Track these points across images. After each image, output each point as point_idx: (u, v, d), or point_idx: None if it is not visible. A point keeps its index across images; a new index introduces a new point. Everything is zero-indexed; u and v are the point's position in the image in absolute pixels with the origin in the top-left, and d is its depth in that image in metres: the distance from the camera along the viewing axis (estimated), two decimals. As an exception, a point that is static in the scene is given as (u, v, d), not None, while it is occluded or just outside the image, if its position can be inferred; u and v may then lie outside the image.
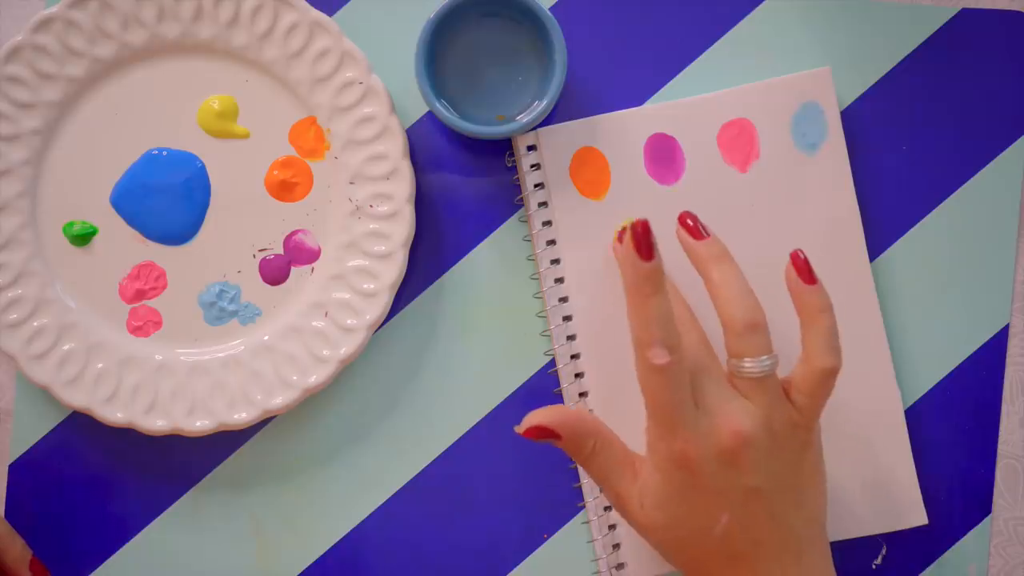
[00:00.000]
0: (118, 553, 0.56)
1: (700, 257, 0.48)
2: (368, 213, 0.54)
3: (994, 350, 0.56)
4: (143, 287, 0.55)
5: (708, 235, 0.48)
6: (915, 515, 0.54)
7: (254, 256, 0.55)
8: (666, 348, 0.44)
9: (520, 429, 0.47)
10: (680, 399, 0.44)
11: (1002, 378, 0.56)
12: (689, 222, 0.48)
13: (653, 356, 0.44)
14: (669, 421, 0.45)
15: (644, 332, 0.44)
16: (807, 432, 0.47)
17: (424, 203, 0.56)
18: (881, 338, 0.54)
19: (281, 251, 0.55)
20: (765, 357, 0.45)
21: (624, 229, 0.51)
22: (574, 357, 0.54)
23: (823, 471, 0.48)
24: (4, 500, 0.56)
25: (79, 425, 0.56)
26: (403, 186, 0.53)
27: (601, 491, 0.49)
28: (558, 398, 0.55)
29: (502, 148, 0.56)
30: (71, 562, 0.56)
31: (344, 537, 0.56)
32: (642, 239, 0.44)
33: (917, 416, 0.55)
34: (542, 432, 0.47)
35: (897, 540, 0.55)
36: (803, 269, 0.47)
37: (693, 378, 0.45)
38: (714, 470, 0.45)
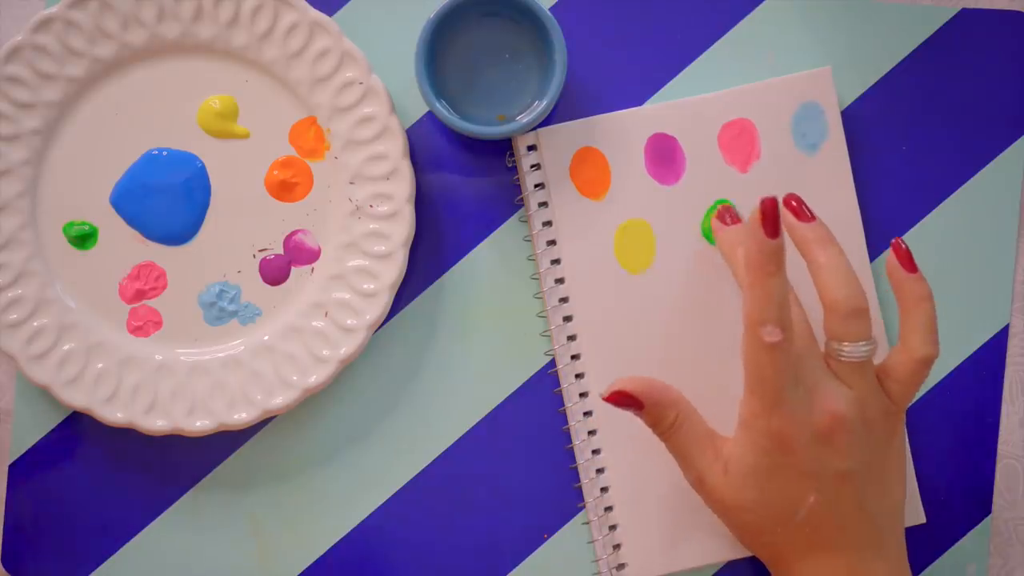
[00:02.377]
0: (118, 553, 0.56)
1: (805, 239, 0.48)
2: (368, 213, 0.54)
3: (994, 350, 0.56)
4: (143, 287, 0.55)
5: (814, 218, 0.48)
6: (913, 514, 0.54)
7: (254, 256, 0.55)
8: (779, 327, 0.44)
9: (604, 394, 0.47)
10: (785, 378, 0.45)
11: (1002, 378, 0.56)
12: (794, 203, 0.48)
13: (766, 334, 0.44)
14: (771, 398, 0.45)
15: (760, 310, 0.44)
16: (897, 421, 0.47)
17: (424, 203, 0.56)
18: (881, 338, 0.54)
19: (281, 251, 0.55)
20: (864, 343, 0.46)
21: (721, 209, 0.51)
22: (574, 357, 0.54)
23: (905, 463, 0.48)
24: (4, 500, 0.56)
25: (79, 425, 0.56)
26: (403, 186, 0.53)
27: (680, 467, 0.49)
28: (558, 398, 0.55)
29: (502, 148, 0.56)
30: (71, 562, 0.56)
31: (344, 537, 0.56)
32: (770, 216, 0.44)
33: (917, 416, 0.55)
34: (626, 399, 0.47)
35: (897, 540, 0.55)
36: (904, 257, 0.47)
37: (795, 358, 0.46)
38: (809, 450, 0.45)
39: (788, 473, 0.46)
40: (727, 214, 0.52)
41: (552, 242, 0.55)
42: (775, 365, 0.44)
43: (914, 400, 0.47)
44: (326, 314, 0.54)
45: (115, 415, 0.54)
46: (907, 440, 0.48)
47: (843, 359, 0.46)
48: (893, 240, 0.48)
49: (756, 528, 0.48)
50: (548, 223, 0.55)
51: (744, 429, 0.47)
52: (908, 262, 0.47)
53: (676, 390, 0.48)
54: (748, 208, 0.54)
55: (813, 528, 0.46)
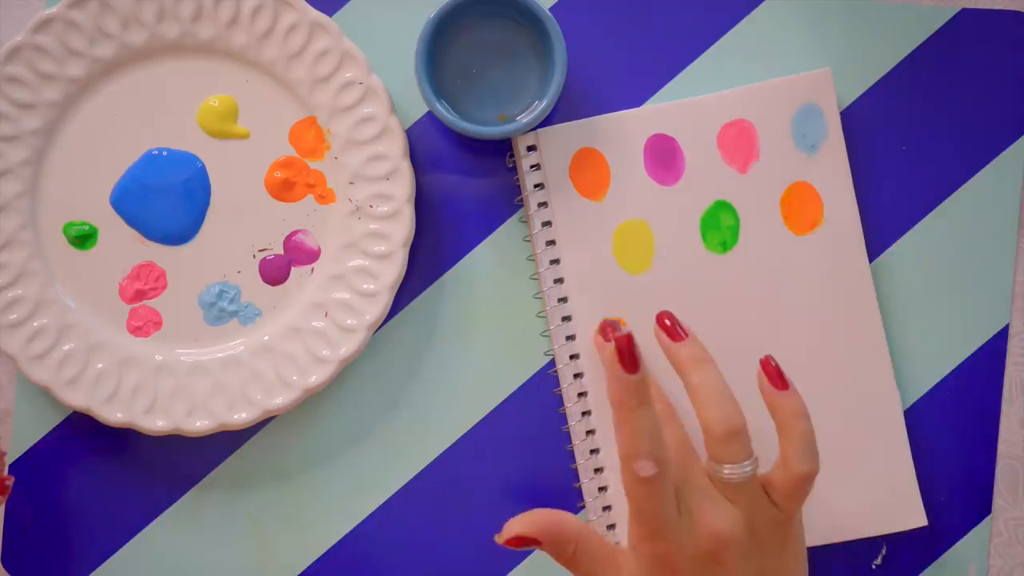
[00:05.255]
0: (118, 553, 0.56)
1: (679, 359, 0.47)
2: (368, 213, 0.54)
3: (994, 350, 0.56)
4: (143, 287, 0.55)
5: (686, 335, 0.48)
6: (914, 517, 0.54)
7: (254, 256, 0.55)
8: (653, 460, 0.43)
9: (500, 539, 0.46)
10: (664, 507, 0.44)
11: (1002, 378, 0.56)
12: (667, 322, 0.48)
13: (640, 469, 0.43)
14: (653, 527, 0.44)
15: (631, 445, 0.44)
16: (787, 528, 0.47)
17: (424, 203, 0.56)
18: (880, 339, 0.54)
19: (281, 251, 0.55)
20: (745, 462, 0.45)
21: (606, 324, 0.51)
22: (573, 357, 0.54)
23: (804, 560, 0.48)
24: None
25: (79, 425, 0.56)
26: (403, 186, 0.53)
27: None
28: (558, 398, 0.55)
29: (502, 148, 0.56)
30: (71, 562, 0.56)
31: (344, 537, 0.56)
32: (626, 353, 0.43)
33: (917, 416, 0.55)
34: (522, 541, 0.46)
35: (897, 540, 0.55)
36: (774, 375, 0.46)
37: (675, 481, 0.45)
38: (696, 571, 0.45)
39: None
40: (609, 329, 0.52)
41: (552, 242, 0.55)
42: (652, 497, 0.44)
43: (801, 509, 0.47)
44: (326, 314, 0.54)
45: (115, 415, 0.54)
46: (803, 540, 0.48)
47: (724, 480, 0.45)
48: (762, 358, 0.47)
49: None
50: (548, 223, 0.55)
51: (633, 553, 0.46)
52: (779, 380, 0.46)
53: (572, 519, 0.47)
54: (747, 207, 0.54)
55: None
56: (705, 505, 0.45)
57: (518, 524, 0.46)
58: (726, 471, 0.45)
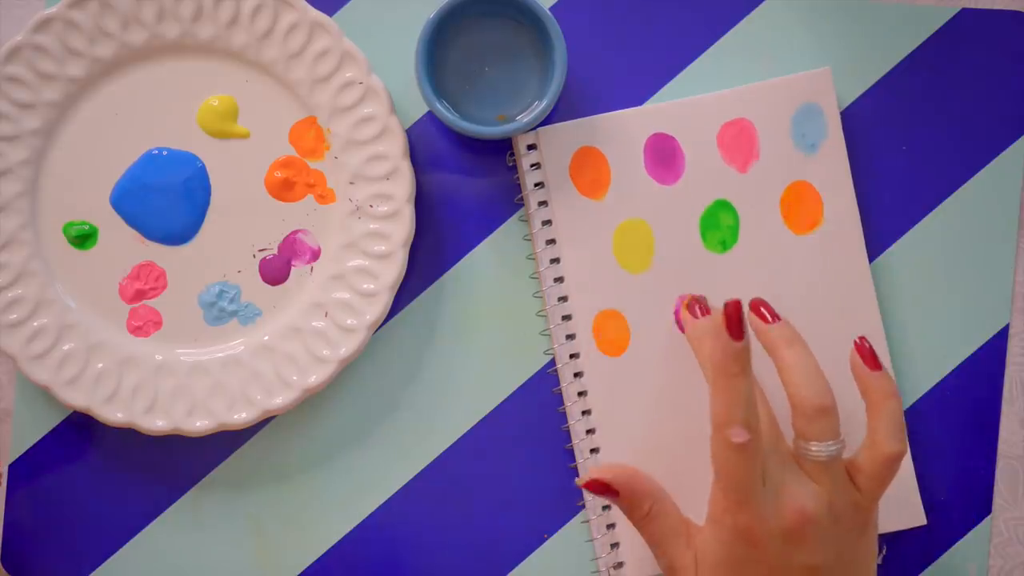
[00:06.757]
0: (118, 553, 0.56)
1: (771, 339, 0.48)
2: (368, 213, 0.54)
3: (994, 350, 0.56)
4: (143, 287, 0.55)
5: (778, 318, 0.48)
6: (913, 516, 0.54)
7: (254, 256, 0.55)
8: (746, 427, 0.44)
9: (581, 481, 0.48)
10: (753, 477, 0.45)
11: (1002, 378, 0.56)
12: (762, 308, 0.49)
13: (734, 435, 0.44)
14: (739, 497, 0.45)
15: (727, 411, 0.44)
16: (867, 513, 0.47)
17: (424, 203, 0.56)
18: (880, 339, 0.54)
19: (281, 251, 0.55)
20: (832, 442, 0.46)
21: (691, 300, 0.51)
22: (573, 356, 0.54)
23: (875, 550, 0.48)
24: (4, 500, 0.56)
25: (79, 425, 0.56)
26: (403, 186, 0.54)
27: (654, 555, 0.49)
28: (557, 398, 0.55)
29: (502, 148, 0.56)
30: (71, 562, 0.56)
31: (344, 537, 0.56)
32: (734, 319, 0.44)
33: (917, 416, 0.55)
34: (602, 487, 0.47)
35: (897, 540, 0.55)
36: (868, 355, 0.47)
37: (763, 456, 0.46)
38: (776, 547, 0.45)
39: (755, 568, 0.46)
40: (697, 305, 0.51)
41: (551, 241, 0.55)
42: (743, 465, 0.44)
43: (883, 494, 0.47)
44: (326, 314, 0.54)
45: (115, 415, 0.54)
46: (877, 529, 0.48)
47: (811, 458, 0.46)
48: (856, 338, 0.48)
49: None
50: (548, 222, 0.55)
51: (712, 524, 0.47)
52: (871, 360, 0.47)
53: (652, 479, 0.48)
54: (747, 206, 0.54)
55: None
56: (790, 482, 0.46)
57: (602, 471, 0.48)
58: (813, 448, 0.46)
